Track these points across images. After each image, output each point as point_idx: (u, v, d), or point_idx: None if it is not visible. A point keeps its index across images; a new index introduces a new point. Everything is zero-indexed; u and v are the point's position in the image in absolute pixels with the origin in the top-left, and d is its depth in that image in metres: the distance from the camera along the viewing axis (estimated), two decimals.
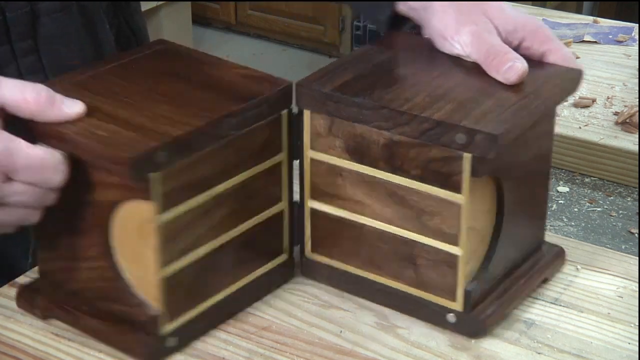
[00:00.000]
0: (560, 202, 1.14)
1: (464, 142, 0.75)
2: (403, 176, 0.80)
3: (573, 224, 1.10)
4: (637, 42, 1.50)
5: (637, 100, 1.30)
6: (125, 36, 1.07)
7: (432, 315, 0.83)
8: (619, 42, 1.51)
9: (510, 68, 0.81)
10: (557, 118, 1.23)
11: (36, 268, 0.90)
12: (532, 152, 0.83)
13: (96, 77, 0.82)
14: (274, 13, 3.87)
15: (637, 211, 1.12)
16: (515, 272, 0.86)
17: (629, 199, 1.15)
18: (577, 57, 1.44)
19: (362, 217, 0.84)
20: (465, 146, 0.75)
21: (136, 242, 0.76)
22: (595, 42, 1.50)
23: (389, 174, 0.81)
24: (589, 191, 1.17)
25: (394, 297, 0.84)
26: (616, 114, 1.26)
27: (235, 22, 4.00)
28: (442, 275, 0.81)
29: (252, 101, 0.79)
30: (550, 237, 0.97)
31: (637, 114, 1.23)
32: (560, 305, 0.87)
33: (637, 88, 1.34)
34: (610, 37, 1.52)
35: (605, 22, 1.59)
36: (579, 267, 0.92)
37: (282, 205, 0.86)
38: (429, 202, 0.79)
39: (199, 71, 0.84)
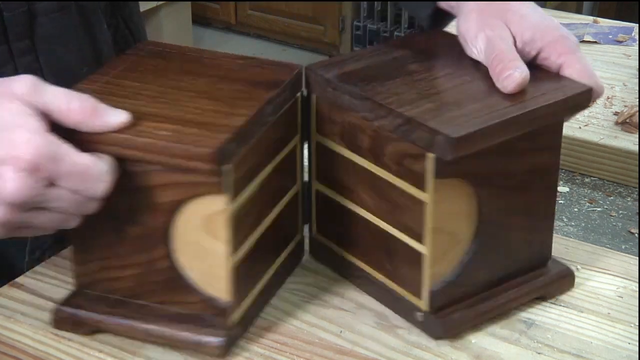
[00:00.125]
0: (560, 202, 1.14)
1: (426, 141, 0.75)
2: (383, 169, 0.81)
3: (573, 224, 1.10)
4: (637, 42, 1.50)
5: (637, 100, 1.30)
6: (123, 36, 1.07)
7: (405, 311, 0.84)
8: (619, 42, 1.51)
9: (508, 77, 0.79)
10: None
11: (36, 268, 0.91)
12: (527, 164, 0.81)
13: (112, 83, 0.80)
14: (274, 13, 3.87)
15: (637, 211, 1.12)
16: (503, 283, 0.84)
17: (629, 199, 1.15)
18: None
19: (354, 204, 0.86)
20: (428, 146, 0.75)
21: (201, 237, 0.77)
22: (595, 42, 1.50)
23: (373, 165, 0.82)
24: (589, 191, 1.17)
25: (376, 287, 0.86)
26: (616, 114, 1.26)
27: (235, 22, 4.00)
28: (411, 272, 0.82)
29: (282, 86, 0.81)
30: None
31: (637, 114, 1.23)
32: (560, 305, 0.87)
33: (637, 88, 1.34)
34: (610, 37, 1.52)
35: (605, 22, 1.59)
36: (579, 267, 0.92)
37: (298, 186, 0.89)
38: (402, 197, 0.80)
39: (207, 65, 0.85)
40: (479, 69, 0.84)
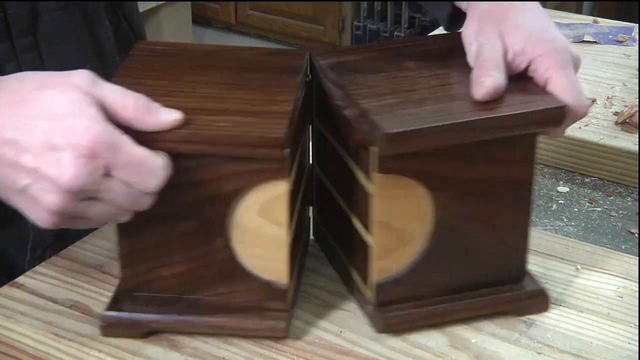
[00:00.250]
0: (560, 202, 1.14)
1: (369, 134, 0.76)
2: (351, 157, 0.82)
3: (573, 224, 1.10)
4: (637, 42, 1.50)
5: (637, 100, 1.30)
6: (124, 33, 1.07)
7: (361, 302, 0.85)
8: (619, 42, 1.51)
9: (480, 83, 0.78)
10: None
11: (36, 268, 0.91)
12: (492, 174, 0.80)
13: (138, 84, 0.79)
14: (274, 13, 3.87)
15: (637, 211, 1.12)
16: (464, 292, 0.84)
17: (629, 199, 1.15)
18: None
19: (335, 190, 0.88)
20: (372, 139, 0.76)
21: (261, 223, 0.78)
22: (595, 42, 1.50)
23: (345, 153, 0.84)
24: (589, 191, 1.17)
25: (346, 277, 0.87)
26: (616, 114, 1.26)
27: (235, 22, 4.00)
28: (364, 264, 0.83)
29: (302, 71, 0.84)
30: (550, 237, 0.97)
31: (637, 114, 1.23)
32: (560, 305, 0.87)
33: (637, 88, 1.34)
34: (610, 37, 1.52)
35: (605, 22, 1.59)
36: (579, 267, 0.92)
37: (309, 168, 0.91)
38: (358, 187, 0.81)
39: (220, 58, 0.86)
40: (470, 74, 0.84)
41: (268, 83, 0.81)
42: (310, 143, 0.91)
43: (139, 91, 0.76)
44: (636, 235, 1.08)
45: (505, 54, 0.82)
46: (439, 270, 0.82)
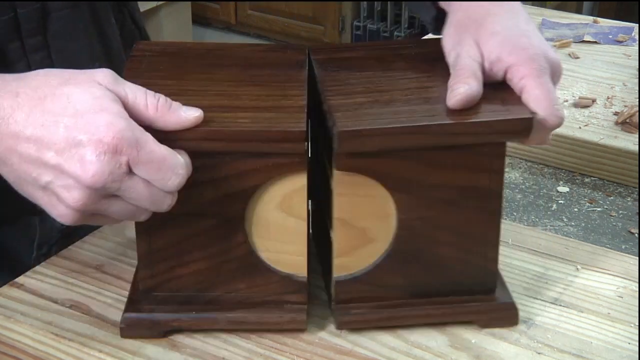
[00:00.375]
0: (560, 202, 1.14)
1: (330, 131, 0.76)
2: (325, 151, 0.83)
3: (573, 224, 1.10)
4: (637, 42, 1.50)
5: (637, 100, 1.30)
6: (129, 31, 1.08)
7: (329, 292, 0.85)
8: (619, 42, 1.51)
9: (453, 91, 0.77)
10: None
11: (36, 268, 0.91)
12: (458, 181, 0.79)
13: (148, 84, 0.78)
14: (274, 13, 3.87)
15: (637, 211, 1.12)
16: (430, 297, 0.83)
17: (629, 199, 1.15)
18: (577, 57, 1.44)
19: (319, 184, 0.88)
20: (331, 136, 0.76)
21: (281, 217, 0.79)
22: (595, 42, 1.50)
23: (322, 148, 0.84)
24: (589, 191, 1.17)
25: (326, 262, 0.87)
26: (616, 114, 1.26)
27: (235, 22, 4.00)
28: (329, 256, 0.83)
29: (306, 66, 0.84)
30: (550, 237, 0.97)
31: (637, 114, 1.23)
32: (560, 305, 0.87)
33: (637, 88, 1.34)
34: (610, 37, 1.52)
35: (605, 22, 1.59)
36: (579, 267, 0.92)
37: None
38: (328, 184, 0.81)
39: (222, 56, 0.86)
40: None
41: (275, 78, 0.82)
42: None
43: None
44: (636, 235, 1.08)
45: (482, 62, 0.81)
46: (403, 274, 0.82)
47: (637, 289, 0.89)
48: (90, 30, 1.00)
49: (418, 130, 0.76)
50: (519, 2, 0.87)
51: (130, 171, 0.71)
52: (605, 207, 1.13)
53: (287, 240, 0.80)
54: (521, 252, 0.94)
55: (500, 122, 0.77)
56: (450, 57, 0.83)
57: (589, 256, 0.94)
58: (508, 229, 0.98)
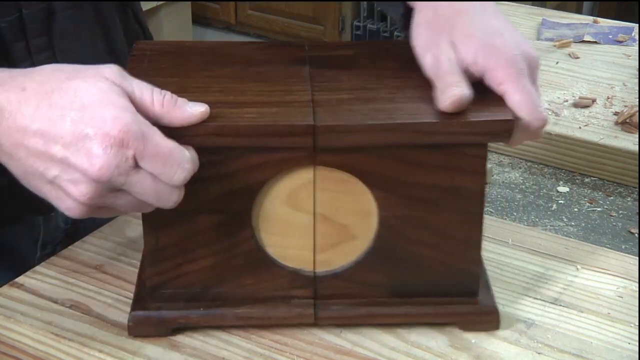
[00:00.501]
0: (560, 202, 1.14)
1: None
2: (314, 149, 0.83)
3: (573, 224, 1.10)
4: (637, 42, 1.50)
5: (637, 100, 1.30)
6: (132, 30, 1.08)
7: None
8: (619, 42, 1.51)
9: (445, 93, 0.76)
10: (556, 118, 1.24)
11: (36, 268, 0.91)
12: (438, 181, 0.79)
13: (152, 82, 0.78)
14: (274, 13, 3.87)
15: (637, 211, 1.12)
16: (410, 297, 0.83)
17: (629, 199, 1.15)
18: (577, 57, 1.44)
19: None
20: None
21: (288, 212, 0.79)
22: (595, 42, 1.50)
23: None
24: (589, 191, 1.17)
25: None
26: (616, 114, 1.26)
27: (235, 22, 4.00)
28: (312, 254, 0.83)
29: (306, 62, 0.84)
30: (550, 237, 0.97)
31: (637, 114, 1.23)
32: (560, 305, 0.87)
33: (637, 88, 1.34)
34: (610, 37, 1.52)
35: (605, 22, 1.59)
36: (579, 267, 0.92)
37: None
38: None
39: (221, 54, 0.86)
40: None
41: (277, 74, 0.82)
42: None
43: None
44: (636, 235, 1.08)
45: (460, 64, 0.79)
46: (384, 272, 0.82)
47: (637, 289, 0.89)
48: (94, 30, 1.00)
49: (396, 127, 0.76)
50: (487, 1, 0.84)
51: (136, 165, 0.71)
52: (605, 207, 1.13)
53: (295, 235, 0.80)
54: (521, 252, 0.94)
55: (480, 123, 0.76)
56: (425, 58, 0.81)
57: (589, 256, 0.94)
58: (508, 229, 0.98)
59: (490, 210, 1.12)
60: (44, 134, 0.70)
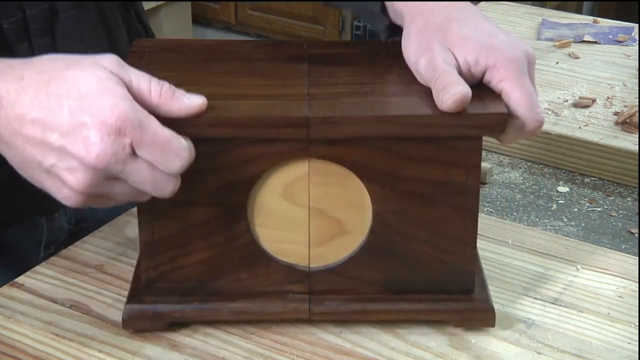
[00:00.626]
0: (560, 202, 1.14)
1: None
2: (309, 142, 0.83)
3: (573, 224, 1.10)
4: (637, 42, 1.50)
5: (637, 100, 1.30)
6: (135, 30, 1.08)
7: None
8: (619, 42, 1.51)
9: (447, 93, 0.75)
10: (556, 118, 1.24)
11: (36, 268, 0.91)
12: (431, 176, 0.78)
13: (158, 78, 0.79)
14: (274, 13, 3.87)
15: (637, 211, 1.12)
16: (403, 294, 0.83)
17: (629, 199, 1.15)
18: (577, 57, 1.44)
19: None
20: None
21: (283, 206, 0.79)
22: (595, 42, 1.50)
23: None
24: (589, 191, 1.17)
25: None
26: (616, 114, 1.26)
27: (235, 22, 4.00)
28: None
29: (306, 59, 0.85)
30: (550, 237, 0.97)
31: (637, 114, 1.23)
32: (560, 305, 0.87)
33: (637, 88, 1.34)
34: (610, 37, 1.52)
35: (605, 22, 1.59)
36: (579, 267, 0.92)
37: None
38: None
39: (220, 51, 0.86)
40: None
41: (276, 70, 0.82)
42: None
43: None
44: (636, 235, 1.08)
45: (457, 66, 0.79)
46: (378, 268, 0.82)
47: (637, 289, 0.89)
48: (97, 30, 1.00)
49: (389, 119, 0.76)
50: (472, 5, 0.85)
51: (133, 153, 0.71)
52: (605, 207, 1.13)
53: (290, 229, 0.80)
54: (521, 252, 0.94)
55: (474, 116, 0.76)
56: (418, 64, 0.80)
57: (589, 256, 0.94)
58: (508, 229, 0.98)
59: (490, 210, 1.12)
60: (42, 122, 0.70)
